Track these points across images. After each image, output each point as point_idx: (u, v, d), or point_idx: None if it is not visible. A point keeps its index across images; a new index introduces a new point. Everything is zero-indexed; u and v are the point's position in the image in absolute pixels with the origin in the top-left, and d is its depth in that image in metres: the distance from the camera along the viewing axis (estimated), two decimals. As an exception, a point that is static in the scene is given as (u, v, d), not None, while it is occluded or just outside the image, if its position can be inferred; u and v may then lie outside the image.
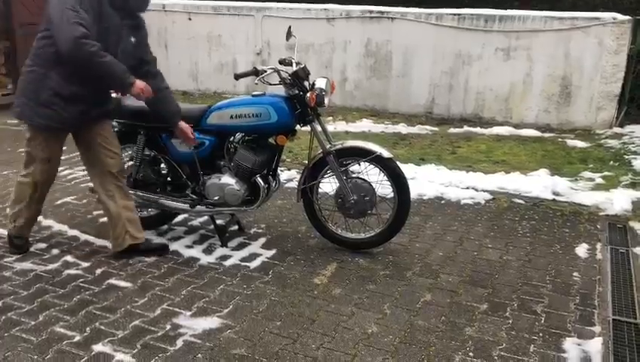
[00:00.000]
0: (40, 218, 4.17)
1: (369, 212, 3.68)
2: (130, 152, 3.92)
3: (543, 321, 3.01)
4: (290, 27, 3.74)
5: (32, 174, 3.47)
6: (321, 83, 3.55)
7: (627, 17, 6.89)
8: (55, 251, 3.68)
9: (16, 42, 7.85)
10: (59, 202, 4.53)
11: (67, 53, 3.06)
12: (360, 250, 3.76)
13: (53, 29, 3.09)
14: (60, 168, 5.26)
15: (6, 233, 3.67)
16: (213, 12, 8.86)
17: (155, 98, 3.41)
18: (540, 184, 5.08)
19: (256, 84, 3.51)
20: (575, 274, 3.55)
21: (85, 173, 5.07)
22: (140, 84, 3.28)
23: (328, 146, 3.60)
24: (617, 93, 7.05)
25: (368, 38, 7.99)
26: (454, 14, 7.54)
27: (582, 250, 3.89)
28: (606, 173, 5.45)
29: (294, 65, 3.57)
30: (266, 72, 3.52)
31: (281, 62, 3.59)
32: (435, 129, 7.25)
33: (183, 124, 3.57)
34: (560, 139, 6.77)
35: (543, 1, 7.97)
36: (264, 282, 3.36)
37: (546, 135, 6.99)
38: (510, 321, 3.00)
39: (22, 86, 3.32)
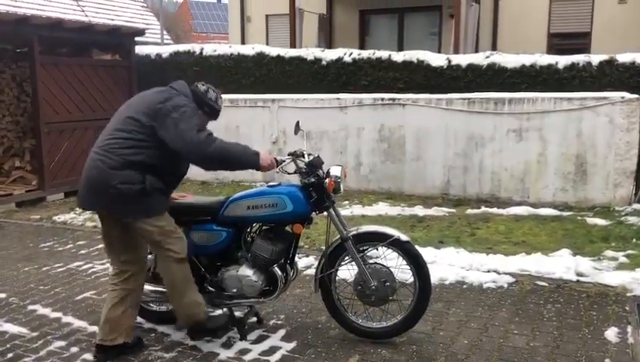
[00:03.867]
0: (59, 314, 4.19)
1: (390, 298, 3.63)
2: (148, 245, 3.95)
3: (577, 413, 2.87)
4: (298, 122, 3.85)
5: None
6: (336, 171, 3.62)
7: (635, 96, 6.99)
8: (74, 349, 3.65)
9: (42, 140, 8.16)
10: (78, 297, 4.53)
11: (204, 163, 3.44)
12: (382, 340, 3.67)
13: (177, 146, 3.31)
14: (79, 262, 5.38)
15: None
16: (231, 105, 9.18)
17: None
18: (562, 265, 4.98)
19: (277, 172, 3.61)
20: (607, 360, 3.41)
21: (104, 266, 5.14)
22: (267, 156, 3.51)
23: (345, 232, 3.61)
24: (633, 170, 7.04)
25: (381, 123, 8.18)
26: (464, 98, 7.73)
27: (612, 333, 3.75)
28: (630, 252, 5.34)
29: (306, 156, 3.65)
30: (285, 161, 3.62)
31: (292, 154, 3.68)
32: (453, 210, 7.24)
33: (264, 157, 3.50)
34: (579, 218, 6.70)
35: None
36: (285, 377, 3.27)
37: (565, 213, 6.94)
38: (543, 414, 2.87)
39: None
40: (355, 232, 3.64)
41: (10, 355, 3.56)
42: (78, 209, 7.65)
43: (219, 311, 4.14)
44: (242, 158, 3.47)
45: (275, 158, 3.60)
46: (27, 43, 8.07)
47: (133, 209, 3.32)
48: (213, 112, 3.67)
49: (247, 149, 3.50)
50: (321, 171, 3.63)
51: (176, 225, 3.53)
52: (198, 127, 3.34)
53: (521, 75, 8.35)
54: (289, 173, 3.64)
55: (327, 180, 3.54)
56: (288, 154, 3.70)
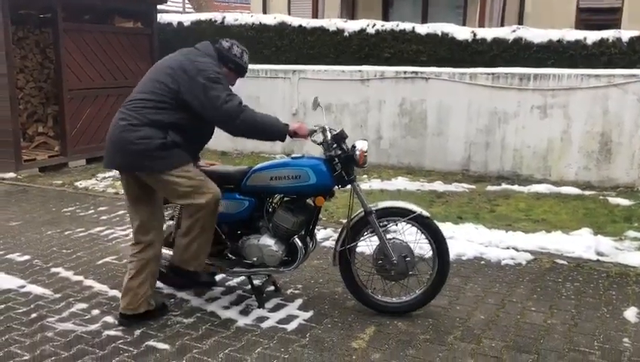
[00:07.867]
0: (81, 278, 4.27)
1: (410, 273, 3.63)
2: (170, 211, 3.99)
3: (593, 391, 2.87)
4: (316, 98, 3.79)
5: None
6: (362, 144, 3.59)
7: (665, 73, 6.83)
8: (95, 312, 3.72)
9: (64, 107, 8.22)
10: (100, 262, 4.61)
11: (232, 132, 3.47)
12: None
13: (205, 113, 3.35)
14: (100, 228, 5.46)
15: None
16: (252, 75, 9.12)
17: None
18: (582, 244, 4.94)
19: (312, 140, 3.60)
20: (625, 339, 3.39)
21: (126, 232, 5.22)
22: (295, 125, 3.53)
23: (369, 206, 3.60)
24: (660, 150, 6.91)
25: (403, 97, 8.09)
26: (488, 73, 7.60)
27: (631, 313, 3.73)
28: (652, 233, 5.28)
29: (328, 131, 3.63)
30: (315, 131, 3.60)
31: (312, 132, 3.65)
32: (473, 187, 7.19)
33: (294, 127, 3.54)
34: (601, 197, 6.62)
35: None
36: (301, 345, 3.31)
37: (587, 192, 6.85)
38: (558, 391, 2.87)
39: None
40: (379, 206, 3.64)
41: (34, 315, 3.65)
42: (99, 175, 7.75)
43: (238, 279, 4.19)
44: (271, 129, 3.48)
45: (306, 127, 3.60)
46: (51, 9, 8.08)
47: (157, 163, 3.32)
48: (239, 68, 3.66)
49: (278, 121, 3.51)
50: (344, 145, 3.61)
51: (206, 177, 3.51)
52: (226, 90, 3.37)
53: (548, 51, 8.19)
54: (318, 143, 3.63)
55: (357, 152, 3.53)
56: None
